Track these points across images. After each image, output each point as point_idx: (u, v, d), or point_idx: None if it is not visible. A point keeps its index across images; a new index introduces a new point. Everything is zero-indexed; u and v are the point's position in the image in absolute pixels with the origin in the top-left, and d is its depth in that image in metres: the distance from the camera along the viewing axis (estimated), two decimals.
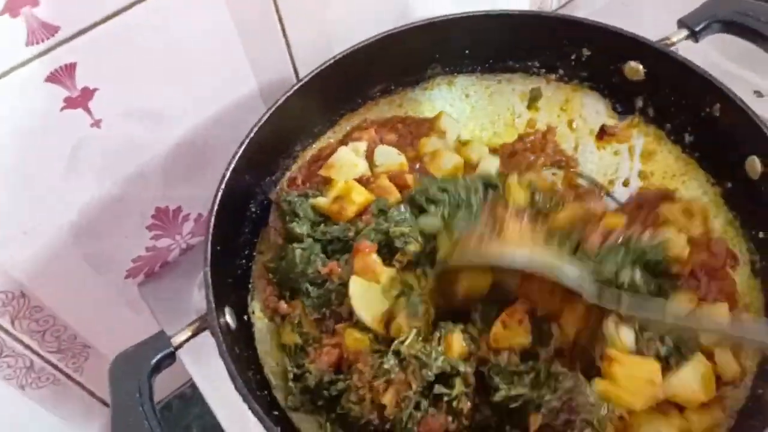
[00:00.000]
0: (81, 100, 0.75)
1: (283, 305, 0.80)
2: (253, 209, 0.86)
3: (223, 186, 0.77)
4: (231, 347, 0.70)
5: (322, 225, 0.83)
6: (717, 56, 1.02)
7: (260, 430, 0.84)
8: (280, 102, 0.82)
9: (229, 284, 0.80)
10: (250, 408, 0.67)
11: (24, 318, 0.90)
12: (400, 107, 0.96)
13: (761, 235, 0.78)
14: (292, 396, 0.76)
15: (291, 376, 0.76)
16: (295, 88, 0.83)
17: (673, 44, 0.85)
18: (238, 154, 0.79)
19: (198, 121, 0.88)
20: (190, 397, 1.27)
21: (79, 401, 1.08)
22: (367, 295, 0.76)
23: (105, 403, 1.12)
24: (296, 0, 0.86)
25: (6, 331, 0.89)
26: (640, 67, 0.86)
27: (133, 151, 0.85)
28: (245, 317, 0.82)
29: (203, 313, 0.91)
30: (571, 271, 0.70)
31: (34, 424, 1.05)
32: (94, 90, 0.76)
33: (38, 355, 0.96)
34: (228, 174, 0.78)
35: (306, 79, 0.84)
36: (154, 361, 0.68)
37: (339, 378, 0.74)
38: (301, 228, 0.82)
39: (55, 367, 1.00)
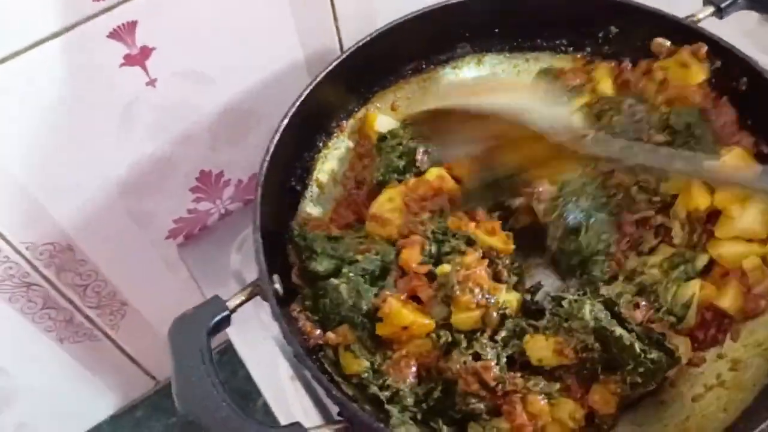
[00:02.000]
0: (139, 57, 0.78)
1: (332, 336, 0.77)
2: (293, 183, 0.88)
3: (271, 149, 0.79)
4: (283, 311, 0.72)
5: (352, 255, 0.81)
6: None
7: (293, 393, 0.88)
8: (323, 74, 0.84)
9: (274, 254, 0.79)
10: (306, 366, 0.69)
11: (68, 270, 0.93)
12: (429, 86, 0.97)
13: None
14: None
15: (385, 399, 0.74)
16: (336, 62, 0.85)
17: (699, 21, 0.87)
18: (285, 121, 0.81)
19: (245, 86, 0.91)
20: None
21: (113, 358, 1.11)
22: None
23: (135, 362, 1.15)
24: None
25: (51, 283, 0.93)
26: (668, 43, 0.88)
27: (184, 112, 0.87)
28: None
29: (244, 279, 0.96)
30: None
31: (70, 378, 1.09)
32: (152, 49, 0.78)
33: (78, 309, 0.99)
34: (276, 137, 0.79)
35: (346, 54, 0.86)
36: (212, 322, 0.69)
37: (432, 386, 0.75)
38: (322, 265, 0.80)
39: (93, 322, 1.03)
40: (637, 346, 0.71)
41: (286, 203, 0.86)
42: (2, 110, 0.73)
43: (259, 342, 0.90)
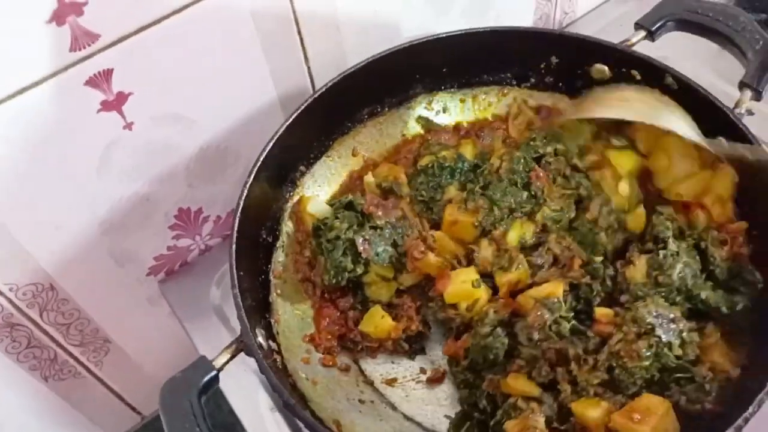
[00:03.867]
0: (116, 103, 0.81)
1: None
2: (264, 236, 0.90)
3: (241, 204, 0.81)
4: (270, 365, 0.74)
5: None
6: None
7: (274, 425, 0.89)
8: (296, 114, 0.88)
9: (253, 307, 0.82)
10: (299, 417, 0.71)
11: (51, 310, 0.95)
12: (386, 128, 1.01)
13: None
14: None
15: None
16: (306, 103, 0.88)
17: (633, 45, 0.92)
18: (255, 170, 0.83)
19: (221, 126, 0.93)
20: None
21: (97, 395, 1.12)
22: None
23: (121, 398, 1.16)
24: (315, 19, 0.92)
25: (34, 323, 0.94)
26: (606, 68, 0.93)
27: (161, 153, 0.90)
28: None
29: (225, 313, 0.98)
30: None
31: (55, 415, 1.09)
32: (129, 94, 0.81)
33: (62, 347, 1.01)
34: (247, 187, 0.82)
35: (318, 93, 0.89)
36: (201, 383, 0.71)
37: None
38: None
39: (77, 360, 1.04)
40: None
41: (260, 256, 0.89)
42: None
43: (241, 376, 0.92)
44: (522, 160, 0.90)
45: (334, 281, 0.86)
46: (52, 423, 1.11)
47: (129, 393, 1.17)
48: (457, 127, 1.03)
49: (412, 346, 0.89)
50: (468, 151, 0.98)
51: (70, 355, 1.03)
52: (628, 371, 0.73)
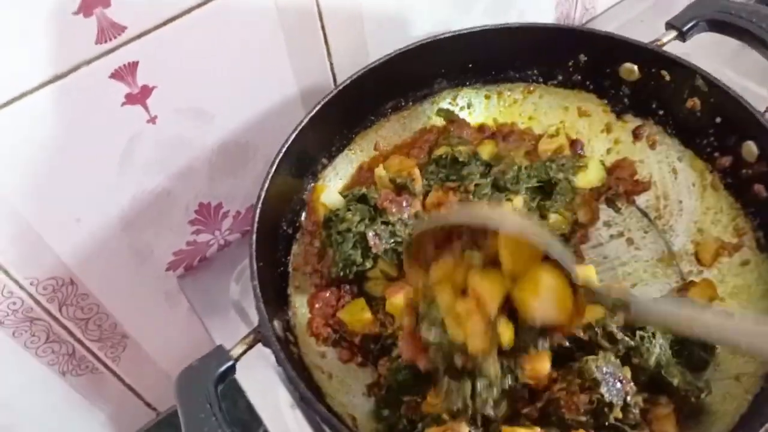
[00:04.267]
0: (140, 96, 0.81)
1: None
2: (285, 227, 0.90)
3: (263, 196, 0.81)
4: (287, 356, 0.73)
5: None
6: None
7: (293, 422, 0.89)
8: (318, 107, 0.88)
9: (273, 298, 0.82)
10: (315, 411, 0.70)
11: (71, 305, 0.95)
12: (409, 122, 1.01)
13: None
14: None
15: None
16: (329, 97, 0.88)
17: (663, 44, 0.92)
18: (277, 161, 0.84)
19: (243, 120, 0.93)
20: None
21: (114, 390, 1.12)
22: None
23: (137, 394, 1.16)
24: (338, 13, 0.92)
25: (53, 317, 0.94)
26: (635, 67, 0.93)
27: (184, 147, 0.90)
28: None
29: (244, 308, 0.98)
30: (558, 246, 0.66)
31: (72, 411, 1.09)
32: (153, 87, 0.81)
33: (80, 342, 1.00)
34: (267, 181, 0.82)
35: (340, 88, 0.89)
36: (218, 373, 0.71)
37: None
38: None
39: (95, 355, 1.04)
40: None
41: (280, 247, 0.89)
42: (8, 149, 0.76)
43: (259, 371, 0.92)
44: (521, 174, 0.91)
45: (342, 274, 0.86)
46: (68, 418, 1.11)
47: (145, 389, 1.17)
48: (482, 128, 1.02)
49: (379, 344, 0.85)
50: (486, 151, 0.98)
51: (88, 350, 1.03)
52: (564, 421, 0.70)
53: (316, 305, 0.88)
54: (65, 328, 0.97)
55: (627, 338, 0.75)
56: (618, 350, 0.74)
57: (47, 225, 0.85)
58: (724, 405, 0.75)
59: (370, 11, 0.95)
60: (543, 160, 0.96)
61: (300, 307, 0.88)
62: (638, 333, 0.75)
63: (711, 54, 1.02)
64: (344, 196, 0.90)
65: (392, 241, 0.86)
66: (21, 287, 0.87)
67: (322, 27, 0.92)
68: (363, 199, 0.89)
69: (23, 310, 0.90)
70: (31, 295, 0.89)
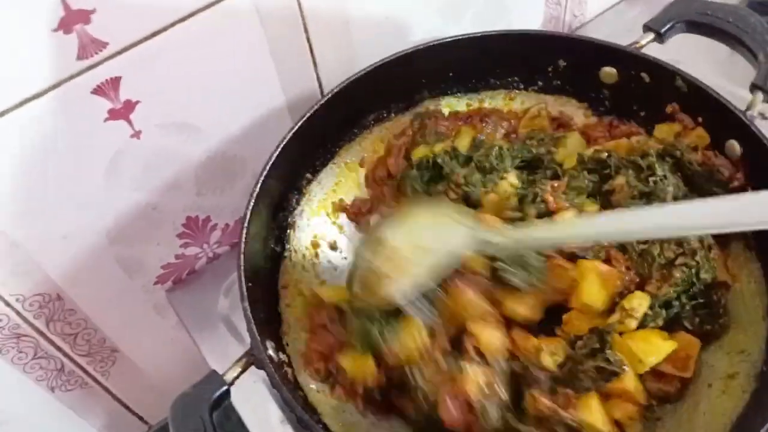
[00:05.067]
0: (123, 111, 0.80)
1: None
2: (273, 245, 0.89)
3: (248, 216, 0.79)
4: (282, 378, 0.72)
5: None
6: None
7: None
8: (303, 119, 0.87)
9: (263, 318, 0.80)
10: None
11: (58, 320, 0.94)
12: (392, 133, 0.99)
13: None
14: None
15: None
16: (314, 108, 0.87)
17: (642, 47, 0.92)
18: (261, 179, 0.82)
19: (229, 133, 0.93)
20: None
21: (105, 405, 1.11)
22: None
23: (127, 408, 1.15)
24: (324, 23, 0.91)
25: (41, 333, 0.93)
26: (614, 71, 0.93)
27: (169, 161, 0.89)
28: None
29: (233, 322, 0.97)
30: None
31: (62, 426, 1.09)
32: (136, 102, 0.80)
33: (69, 357, 1.00)
34: (253, 199, 0.81)
35: (326, 98, 0.88)
36: (213, 398, 0.70)
37: None
38: None
39: (84, 370, 1.03)
40: None
41: (268, 266, 0.87)
42: None
43: (250, 386, 0.91)
44: (503, 152, 0.90)
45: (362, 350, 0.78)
46: None
47: (136, 403, 1.16)
48: (457, 115, 1.00)
49: (385, 398, 0.80)
50: (464, 142, 0.95)
51: (77, 365, 1.02)
52: None
53: (313, 345, 0.83)
54: (53, 343, 0.96)
55: (641, 184, 0.81)
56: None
57: (32, 241, 0.84)
58: (721, 403, 0.74)
59: (357, 21, 0.95)
60: (522, 138, 0.96)
61: (293, 324, 0.86)
62: (650, 179, 0.80)
63: (699, 59, 1.01)
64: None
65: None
66: (7, 304, 0.87)
67: (308, 38, 0.91)
68: None
69: (9, 327, 0.89)
70: (17, 312, 0.88)
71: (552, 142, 0.94)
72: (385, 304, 0.75)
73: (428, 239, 0.76)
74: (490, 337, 0.74)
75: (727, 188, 0.82)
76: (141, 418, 1.19)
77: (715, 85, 0.86)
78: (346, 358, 0.79)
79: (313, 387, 0.81)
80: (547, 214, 0.82)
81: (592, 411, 0.70)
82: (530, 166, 0.92)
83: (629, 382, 0.72)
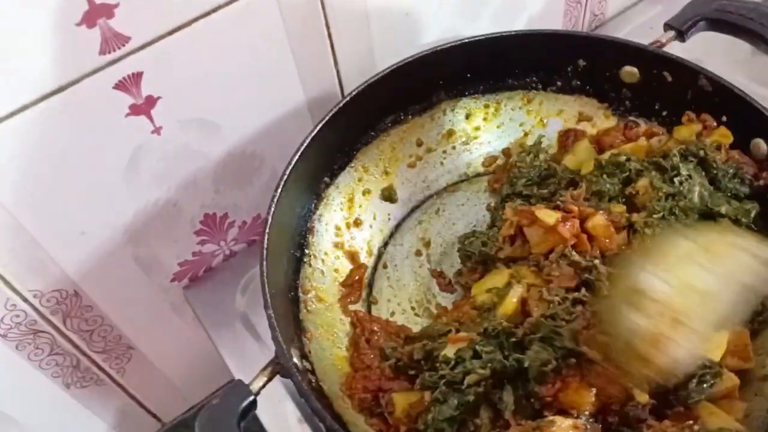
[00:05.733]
0: (145, 107, 0.80)
1: None
2: (293, 251, 0.87)
3: (270, 220, 0.78)
4: (309, 386, 0.71)
5: None
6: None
7: None
8: (327, 118, 0.86)
9: (286, 326, 0.79)
10: None
11: (75, 317, 0.93)
12: (408, 136, 0.99)
13: None
14: None
15: None
16: (336, 109, 0.86)
17: (663, 45, 0.91)
18: (282, 184, 0.81)
19: (249, 131, 0.92)
20: None
21: (119, 401, 1.11)
22: None
23: (142, 405, 1.15)
24: (345, 20, 0.91)
25: (57, 329, 0.93)
26: (636, 70, 0.92)
27: (189, 158, 0.89)
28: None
29: (250, 320, 0.96)
30: None
31: (76, 422, 1.08)
32: (158, 98, 0.80)
33: (85, 354, 0.99)
34: (274, 204, 0.80)
35: (348, 98, 0.88)
36: (240, 409, 0.68)
37: None
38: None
39: (99, 367, 1.03)
40: None
41: (289, 272, 0.86)
42: (11, 160, 0.74)
43: (269, 393, 0.90)
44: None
45: None
46: (72, 429, 1.10)
47: (150, 400, 1.16)
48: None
49: None
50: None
51: (93, 362, 1.02)
52: None
53: (359, 373, 0.80)
54: (69, 340, 0.96)
55: (666, 185, 0.80)
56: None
57: (51, 237, 0.83)
58: (754, 405, 0.73)
59: (377, 18, 0.94)
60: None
61: (315, 330, 0.85)
62: (675, 180, 0.80)
63: (721, 58, 1.00)
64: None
65: None
66: (24, 300, 0.86)
67: (329, 35, 0.90)
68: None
69: (27, 323, 0.89)
70: (34, 308, 0.88)
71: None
72: (663, 377, 0.63)
73: (707, 279, 0.59)
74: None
75: (752, 187, 0.82)
76: (155, 416, 1.19)
77: (737, 84, 0.85)
78: (397, 396, 0.76)
79: (339, 395, 0.80)
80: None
81: (716, 413, 0.68)
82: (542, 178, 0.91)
83: (730, 379, 0.70)
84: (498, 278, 0.81)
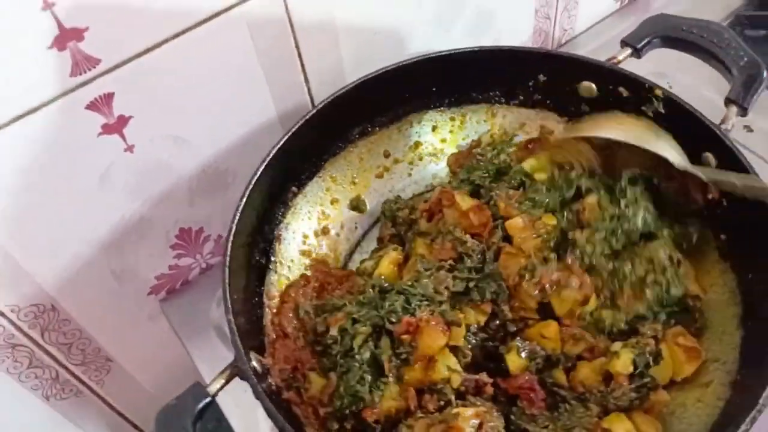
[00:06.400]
0: (117, 126, 0.82)
1: None
2: (258, 257, 0.89)
3: (233, 229, 0.80)
4: (265, 389, 0.73)
5: None
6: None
7: None
8: (293, 129, 0.88)
9: (248, 329, 0.82)
10: None
11: (53, 330, 0.95)
12: (376, 147, 1.02)
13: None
14: None
15: None
16: (303, 120, 0.89)
17: (620, 62, 0.94)
18: (248, 192, 0.83)
19: (221, 146, 0.94)
20: None
21: (99, 413, 1.13)
22: None
23: (122, 416, 1.17)
24: (314, 38, 0.94)
25: (36, 343, 0.95)
26: (593, 85, 0.94)
27: (162, 174, 0.91)
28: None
29: (225, 332, 0.98)
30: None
31: None
32: (129, 117, 0.82)
33: (64, 367, 1.01)
34: (238, 213, 0.82)
35: (316, 109, 0.90)
36: (196, 410, 0.70)
37: None
38: None
39: (79, 379, 1.05)
40: None
41: (253, 278, 0.88)
42: None
43: (240, 394, 0.92)
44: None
45: (347, 411, 0.77)
46: None
47: (130, 411, 1.17)
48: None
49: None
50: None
51: (72, 374, 1.03)
52: None
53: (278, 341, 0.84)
54: (48, 353, 0.98)
55: (612, 206, 0.83)
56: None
57: (27, 253, 0.86)
58: (696, 411, 0.76)
59: (346, 36, 0.97)
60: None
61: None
62: (621, 201, 0.83)
63: (689, 71, 1.02)
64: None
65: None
66: (2, 314, 0.88)
67: (298, 52, 0.93)
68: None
69: (5, 337, 0.91)
70: (12, 322, 0.90)
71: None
72: None
73: None
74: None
75: (699, 210, 0.84)
76: (136, 426, 1.21)
77: (706, 98, 0.88)
78: (317, 377, 0.80)
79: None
80: (499, 218, 0.87)
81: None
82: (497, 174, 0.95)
83: (662, 396, 0.77)
84: (389, 256, 0.90)
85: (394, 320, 0.78)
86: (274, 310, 0.87)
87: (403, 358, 0.77)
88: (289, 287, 0.89)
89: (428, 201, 0.92)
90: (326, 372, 0.80)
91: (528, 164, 0.92)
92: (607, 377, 0.77)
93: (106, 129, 0.82)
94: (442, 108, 1.03)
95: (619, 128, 0.87)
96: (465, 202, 0.88)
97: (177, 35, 0.80)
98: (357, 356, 0.78)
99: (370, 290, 0.82)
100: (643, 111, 0.90)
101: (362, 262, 0.93)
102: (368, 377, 0.77)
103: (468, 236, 0.85)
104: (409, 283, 0.81)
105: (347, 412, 0.77)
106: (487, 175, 0.94)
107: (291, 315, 0.86)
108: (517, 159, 0.97)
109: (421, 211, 0.92)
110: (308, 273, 0.92)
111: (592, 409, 0.76)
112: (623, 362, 0.76)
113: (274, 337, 0.84)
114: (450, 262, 0.84)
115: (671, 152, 0.82)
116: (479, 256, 0.84)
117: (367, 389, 0.77)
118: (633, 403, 0.76)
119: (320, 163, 0.98)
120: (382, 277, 0.86)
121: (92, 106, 0.79)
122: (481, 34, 1.16)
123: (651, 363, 0.76)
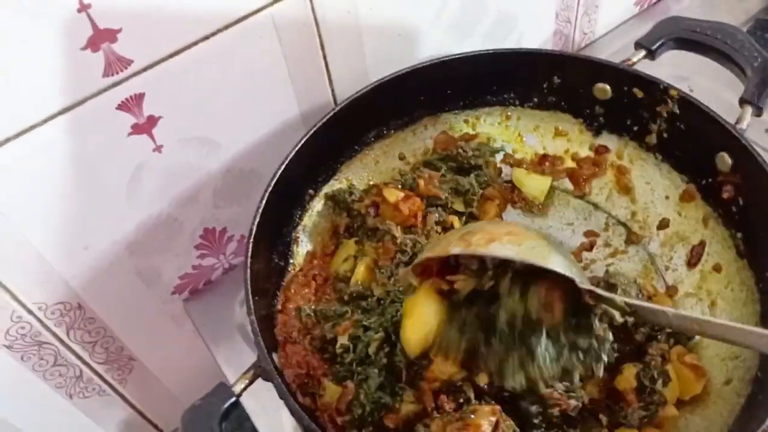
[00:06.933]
0: (146, 126, 0.84)
1: None
2: (277, 260, 0.91)
3: (254, 230, 0.82)
4: (289, 388, 0.75)
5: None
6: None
7: None
8: (302, 142, 0.89)
9: (270, 329, 0.84)
10: None
11: (78, 328, 0.97)
12: (391, 150, 1.03)
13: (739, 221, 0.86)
14: None
15: None
16: (321, 122, 0.90)
17: (634, 64, 0.95)
18: (267, 194, 0.85)
19: (247, 147, 0.96)
20: None
21: (121, 412, 1.14)
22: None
23: (143, 416, 1.18)
24: (339, 40, 0.95)
25: (61, 341, 0.96)
26: (608, 87, 0.95)
27: (189, 175, 0.93)
28: None
29: (248, 331, 0.99)
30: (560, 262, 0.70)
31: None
32: (159, 118, 0.84)
33: (88, 365, 1.02)
34: (258, 215, 0.84)
35: (336, 110, 0.92)
36: (221, 410, 0.71)
37: None
38: None
39: (102, 378, 1.06)
40: None
41: (273, 280, 0.90)
42: (18, 179, 0.78)
43: (263, 393, 0.93)
44: None
45: (369, 419, 0.78)
46: None
47: (151, 410, 1.18)
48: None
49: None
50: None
51: (95, 372, 1.05)
52: None
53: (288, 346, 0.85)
54: (73, 351, 0.99)
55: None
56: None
57: (56, 252, 0.87)
58: (718, 408, 0.77)
59: (370, 38, 0.98)
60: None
61: None
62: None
63: (707, 72, 1.02)
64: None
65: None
66: (29, 312, 0.90)
67: (324, 55, 0.95)
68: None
69: (31, 335, 0.92)
70: (39, 320, 0.91)
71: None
72: None
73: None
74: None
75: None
76: (156, 426, 1.22)
77: (726, 101, 0.88)
78: (332, 385, 0.80)
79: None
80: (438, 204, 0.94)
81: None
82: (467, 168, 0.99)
83: (670, 412, 0.78)
84: (348, 248, 0.95)
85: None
86: (279, 308, 0.89)
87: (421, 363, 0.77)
88: (290, 282, 0.91)
89: (364, 202, 0.95)
90: (340, 380, 0.80)
91: (528, 178, 1.00)
92: (614, 394, 0.78)
93: (136, 129, 0.83)
94: (456, 110, 1.04)
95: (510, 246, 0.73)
96: (392, 195, 0.92)
97: (207, 37, 0.82)
98: (375, 363, 0.79)
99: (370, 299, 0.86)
100: (658, 112, 0.92)
101: (340, 262, 0.94)
102: (387, 384, 0.78)
103: (399, 230, 0.89)
104: (401, 289, 0.83)
105: (369, 419, 0.77)
106: (456, 166, 0.99)
107: (293, 316, 0.87)
108: (515, 162, 1.03)
109: (366, 207, 0.94)
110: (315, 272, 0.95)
111: (602, 420, 0.77)
112: (626, 377, 0.77)
113: (282, 339, 0.85)
114: (401, 257, 0.88)
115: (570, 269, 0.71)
116: (412, 248, 0.88)
117: (389, 396, 0.78)
118: (642, 421, 0.76)
119: (336, 165, 0.99)
120: (359, 283, 0.90)
121: (123, 106, 0.80)
122: (503, 38, 1.17)
123: (656, 377, 0.77)
